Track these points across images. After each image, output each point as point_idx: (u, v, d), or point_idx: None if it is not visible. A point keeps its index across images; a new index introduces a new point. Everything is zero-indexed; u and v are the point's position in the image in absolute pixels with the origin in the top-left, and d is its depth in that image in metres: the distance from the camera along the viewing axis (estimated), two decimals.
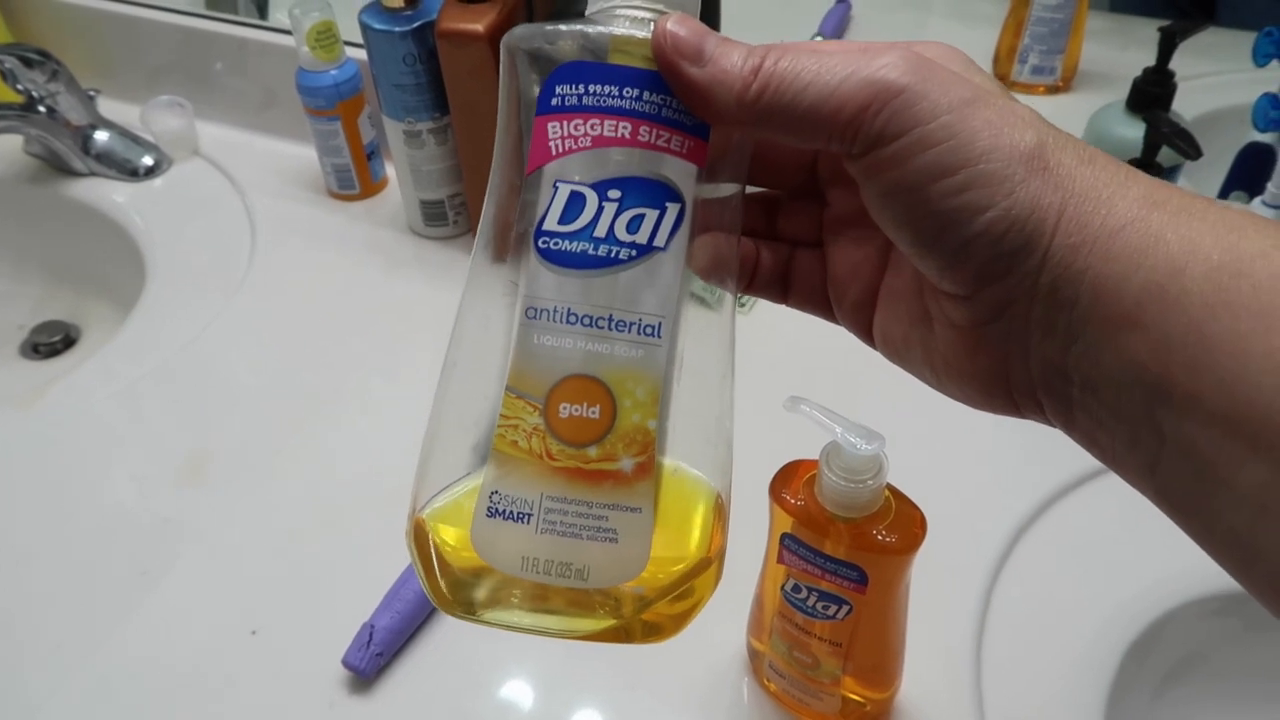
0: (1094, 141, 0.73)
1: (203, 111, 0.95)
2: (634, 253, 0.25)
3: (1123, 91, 0.71)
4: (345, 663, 0.52)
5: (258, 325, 0.77)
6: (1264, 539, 0.22)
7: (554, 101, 0.25)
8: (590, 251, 0.25)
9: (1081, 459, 0.27)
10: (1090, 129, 0.74)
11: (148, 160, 0.92)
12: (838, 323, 0.31)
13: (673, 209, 0.26)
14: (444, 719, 0.52)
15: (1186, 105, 0.71)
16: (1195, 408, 0.22)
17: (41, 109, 0.87)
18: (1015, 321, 0.25)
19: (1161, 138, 0.56)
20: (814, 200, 0.31)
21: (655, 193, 0.25)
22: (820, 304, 0.31)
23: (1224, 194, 0.72)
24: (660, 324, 0.25)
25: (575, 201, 0.25)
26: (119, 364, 0.74)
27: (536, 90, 0.26)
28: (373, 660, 0.52)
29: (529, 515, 0.25)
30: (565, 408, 0.25)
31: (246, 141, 0.96)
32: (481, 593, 0.26)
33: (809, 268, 0.31)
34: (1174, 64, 0.67)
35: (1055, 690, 0.51)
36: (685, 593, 0.27)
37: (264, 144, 0.95)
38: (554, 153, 0.25)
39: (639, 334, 0.25)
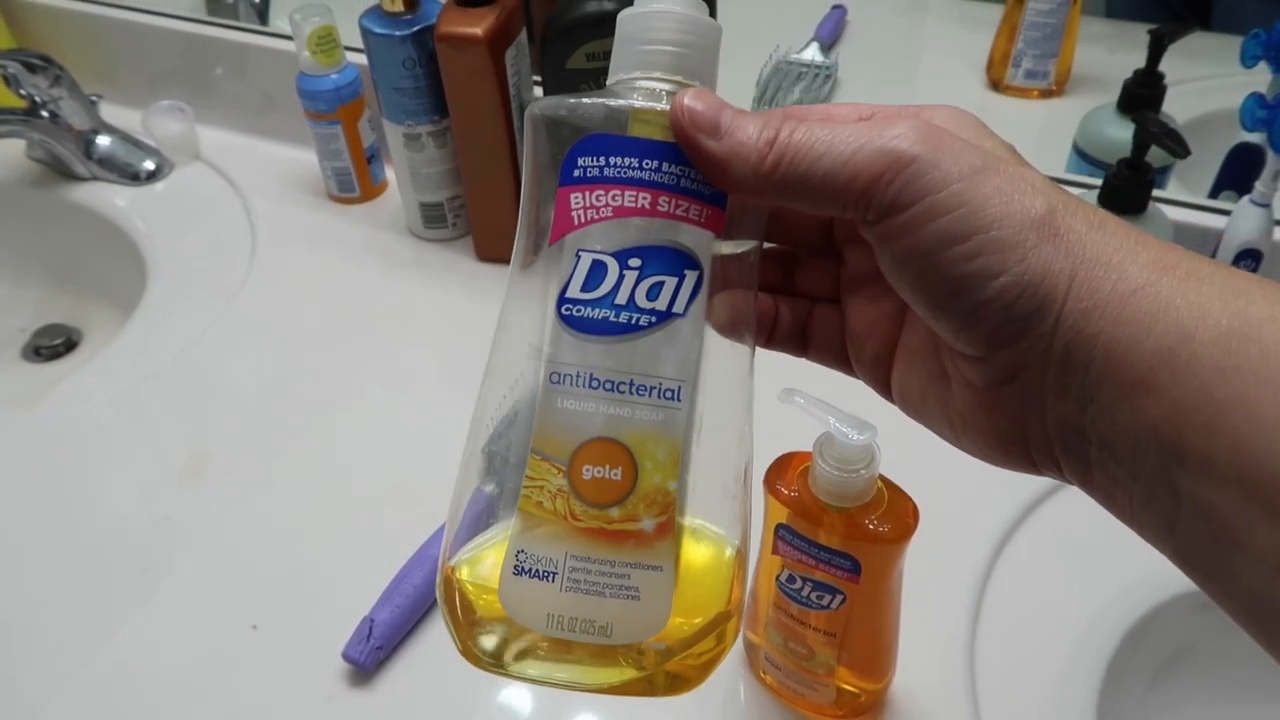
0: (1085, 142, 0.74)
1: (203, 116, 0.96)
2: (654, 319, 0.26)
3: (1115, 95, 0.72)
4: (345, 656, 0.53)
5: (258, 328, 0.78)
6: None
7: (576, 173, 0.27)
8: (612, 318, 0.26)
9: None
10: (1081, 130, 0.75)
11: (149, 165, 0.93)
12: (856, 376, 0.32)
13: (691, 276, 0.27)
14: (444, 712, 0.53)
15: (1178, 108, 0.71)
16: (1210, 470, 0.22)
17: (44, 114, 0.88)
18: (1030, 383, 0.25)
19: (1150, 137, 0.57)
20: (831, 258, 0.32)
21: (674, 261, 0.26)
22: (839, 358, 0.32)
23: (1214, 193, 0.73)
24: (680, 388, 0.26)
25: (597, 270, 0.26)
26: (120, 366, 0.75)
27: (558, 158, 0.27)
28: (373, 654, 0.53)
29: (554, 574, 0.26)
30: (588, 470, 0.26)
31: (247, 145, 0.96)
32: (508, 646, 0.27)
33: (828, 322, 0.32)
34: (1167, 68, 0.68)
35: (1049, 681, 0.52)
36: (709, 643, 0.28)
37: (264, 148, 0.96)
38: (576, 222, 0.27)
39: (659, 398, 0.26)
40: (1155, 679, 0.56)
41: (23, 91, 0.87)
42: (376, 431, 0.68)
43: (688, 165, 0.26)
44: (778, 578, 0.46)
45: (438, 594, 0.28)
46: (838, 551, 0.43)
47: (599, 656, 0.27)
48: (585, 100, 0.27)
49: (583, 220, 0.26)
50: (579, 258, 0.26)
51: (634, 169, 0.26)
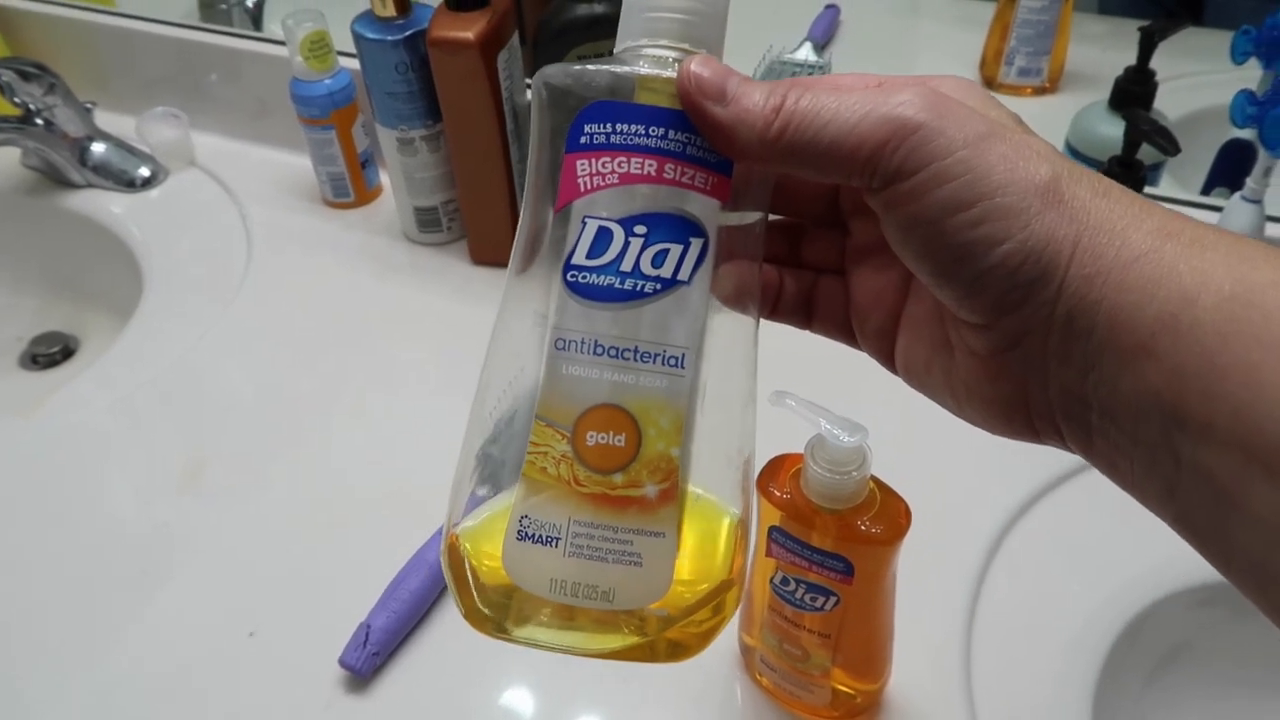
0: (1077, 140, 0.74)
1: (198, 122, 0.96)
2: (659, 286, 0.26)
3: (1108, 92, 0.72)
4: (342, 662, 0.53)
5: (254, 333, 0.78)
6: None
7: (583, 139, 0.27)
8: (617, 285, 0.26)
9: (1068, 453, 0.28)
10: (1074, 128, 0.75)
11: (144, 171, 0.93)
12: (860, 348, 0.32)
13: (696, 244, 0.27)
14: (441, 717, 0.53)
15: (1170, 104, 0.71)
16: (1210, 435, 0.22)
17: (39, 121, 0.88)
18: (1033, 350, 0.25)
19: (1141, 135, 0.57)
20: (836, 229, 0.32)
21: (680, 228, 0.27)
22: (843, 330, 0.32)
23: (1206, 190, 0.73)
24: (684, 355, 0.27)
25: (603, 236, 0.26)
26: (117, 373, 0.75)
27: (564, 127, 0.27)
28: (369, 660, 0.53)
29: (557, 539, 0.26)
30: (592, 436, 0.26)
31: (242, 151, 0.97)
32: (511, 612, 0.28)
33: (832, 294, 0.32)
34: (1160, 65, 0.68)
35: (1045, 680, 0.52)
36: (708, 612, 0.28)
37: (259, 154, 0.96)
38: (583, 189, 0.27)
39: (663, 365, 0.26)
40: (1151, 676, 0.57)
41: (17, 99, 0.87)
42: (372, 436, 0.68)
43: (694, 133, 0.26)
44: (771, 580, 0.46)
45: (442, 560, 0.29)
46: (830, 553, 0.43)
47: (601, 622, 0.27)
48: (591, 67, 0.27)
49: (589, 187, 0.27)
50: (585, 224, 0.27)
51: (640, 136, 0.26)
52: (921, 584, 0.48)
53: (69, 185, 0.93)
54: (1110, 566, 0.56)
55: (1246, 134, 0.63)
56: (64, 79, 0.89)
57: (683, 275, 0.26)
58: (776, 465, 0.45)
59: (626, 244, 0.26)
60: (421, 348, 0.76)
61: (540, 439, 0.27)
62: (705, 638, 0.28)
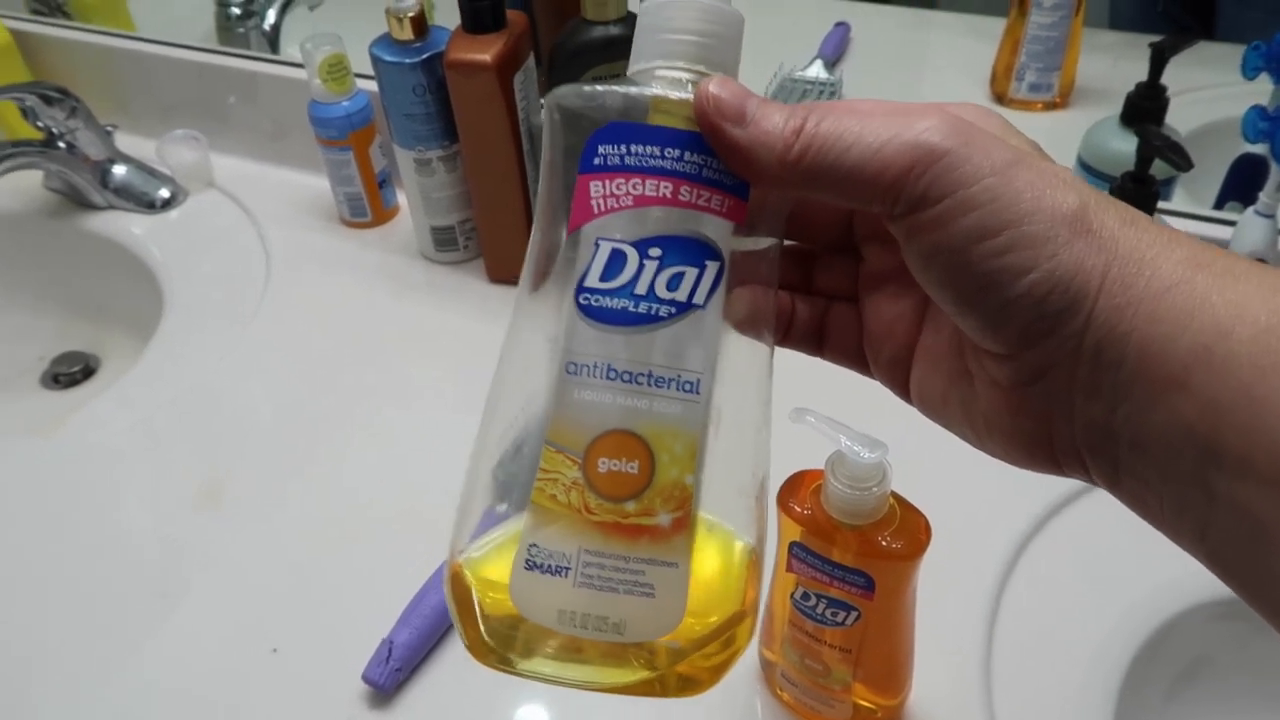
0: (1089, 156, 0.74)
1: (217, 144, 0.98)
2: (674, 310, 0.26)
3: (1120, 107, 0.72)
4: (365, 678, 0.53)
5: (273, 353, 0.79)
6: None
7: (596, 161, 0.26)
8: (631, 309, 0.26)
9: None
10: (1085, 143, 0.75)
11: (164, 193, 0.94)
12: (872, 377, 0.31)
13: (712, 267, 0.26)
14: None
15: (1182, 119, 0.72)
16: (1248, 471, 0.22)
17: (61, 145, 0.90)
18: (1059, 382, 0.25)
19: (1153, 151, 0.57)
20: (850, 256, 0.31)
21: (695, 251, 0.26)
22: (856, 358, 0.31)
23: (1219, 204, 0.74)
24: (699, 380, 0.26)
25: (616, 259, 0.26)
26: (137, 393, 0.76)
27: (576, 148, 0.26)
28: (392, 675, 0.53)
29: (567, 569, 0.26)
30: (604, 463, 0.26)
31: (260, 173, 0.98)
32: (517, 643, 0.27)
33: (845, 322, 0.31)
34: (1171, 78, 0.68)
35: (1065, 694, 0.52)
36: (720, 645, 0.27)
37: (277, 175, 0.97)
38: (596, 211, 0.26)
39: (678, 390, 0.26)
40: (1172, 690, 0.56)
41: (40, 123, 0.89)
42: (391, 453, 0.69)
43: (710, 155, 0.26)
44: (792, 595, 0.46)
45: (445, 589, 0.28)
46: (851, 569, 0.43)
47: (610, 655, 0.26)
48: (604, 89, 0.26)
49: (602, 209, 0.26)
50: (598, 246, 0.26)
51: (655, 158, 0.26)
52: (941, 598, 0.49)
53: (90, 207, 0.94)
54: (1130, 580, 0.56)
55: (1259, 149, 0.63)
56: (85, 103, 0.90)
57: (698, 299, 0.26)
58: (797, 481, 0.46)
59: (641, 267, 0.26)
60: (439, 366, 0.77)
61: (550, 465, 0.26)
62: (717, 671, 0.27)
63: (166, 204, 0.94)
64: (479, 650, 0.27)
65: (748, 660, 0.54)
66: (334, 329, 0.81)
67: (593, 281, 0.26)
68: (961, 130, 0.24)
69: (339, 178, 0.87)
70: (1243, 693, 0.57)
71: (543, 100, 0.78)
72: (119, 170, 0.93)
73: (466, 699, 0.54)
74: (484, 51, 0.70)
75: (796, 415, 0.41)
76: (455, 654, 0.56)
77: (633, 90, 0.26)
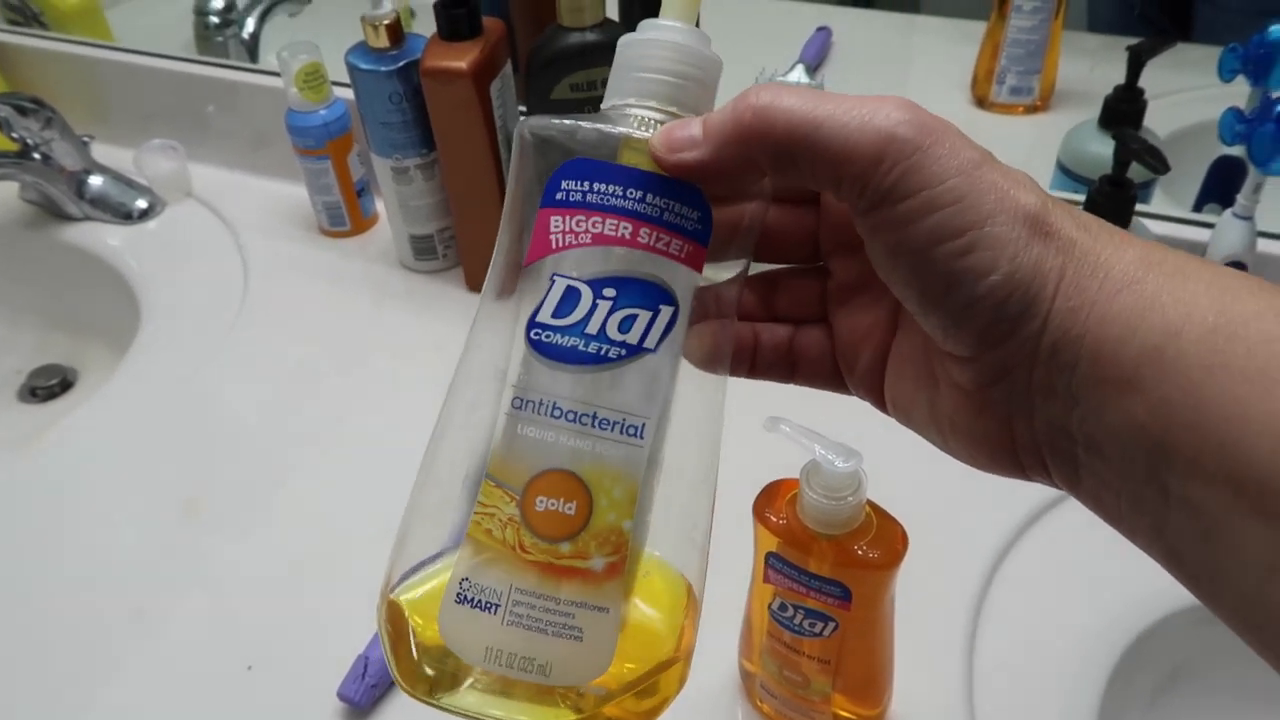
0: (1068, 159, 0.74)
1: (195, 154, 0.97)
2: (624, 352, 0.25)
3: (1099, 110, 0.72)
4: (341, 695, 0.53)
5: (252, 364, 0.78)
6: (1273, 602, 0.22)
7: (558, 196, 0.26)
8: (581, 347, 0.25)
9: None
10: (1064, 147, 0.75)
11: (141, 203, 0.93)
12: (849, 393, 0.32)
13: (666, 311, 0.26)
14: None
15: (1160, 121, 0.72)
16: (1198, 470, 0.22)
17: (36, 156, 0.89)
18: (1017, 384, 0.25)
19: (1131, 154, 0.57)
20: (815, 275, 0.32)
21: (650, 294, 0.26)
22: (829, 377, 0.31)
23: (1198, 206, 0.74)
24: (644, 425, 0.26)
25: (570, 296, 0.26)
26: (115, 406, 0.75)
27: (544, 178, 0.26)
28: (368, 692, 0.53)
29: (496, 606, 0.25)
30: (542, 501, 0.25)
31: (238, 182, 0.97)
32: (445, 676, 0.26)
33: (813, 343, 0.31)
34: (1149, 81, 0.68)
35: (1047, 702, 0.52)
36: (649, 690, 0.27)
37: (255, 184, 0.96)
38: (554, 246, 0.26)
39: (622, 434, 0.25)
40: (1155, 697, 0.56)
41: (15, 135, 0.88)
42: (372, 464, 0.68)
43: (672, 199, 0.26)
44: (770, 606, 0.46)
45: (376, 617, 0.27)
46: (828, 579, 0.43)
47: (537, 694, 0.26)
48: (575, 122, 0.26)
49: (561, 244, 0.26)
50: (553, 282, 0.26)
51: (617, 197, 0.26)
52: (921, 607, 0.48)
53: (67, 218, 0.93)
54: (1110, 587, 0.56)
55: (1236, 151, 0.63)
56: (61, 113, 0.89)
57: (649, 343, 0.26)
58: (772, 491, 0.45)
59: (594, 306, 0.25)
60: (419, 376, 0.76)
61: (488, 499, 0.25)
62: (647, 716, 0.27)
63: (144, 215, 0.93)
64: (408, 680, 0.27)
65: (727, 671, 0.53)
66: (313, 339, 0.80)
67: (545, 317, 0.26)
68: (929, 126, 0.24)
69: (317, 187, 0.87)
70: (1225, 699, 0.57)
71: (522, 108, 0.78)
72: (95, 181, 0.92)
73: (444, 716, 0.53)
74: (460, 59, 0.70)
75: (770, 424, 0.41)
76: None
77: (604, 127, 0.26)
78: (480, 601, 0.25)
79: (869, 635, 0.46)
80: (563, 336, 0.25)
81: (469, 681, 0.26)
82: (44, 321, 0.97)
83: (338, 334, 0.80)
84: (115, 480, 0.69)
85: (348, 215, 0.88)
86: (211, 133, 0.98)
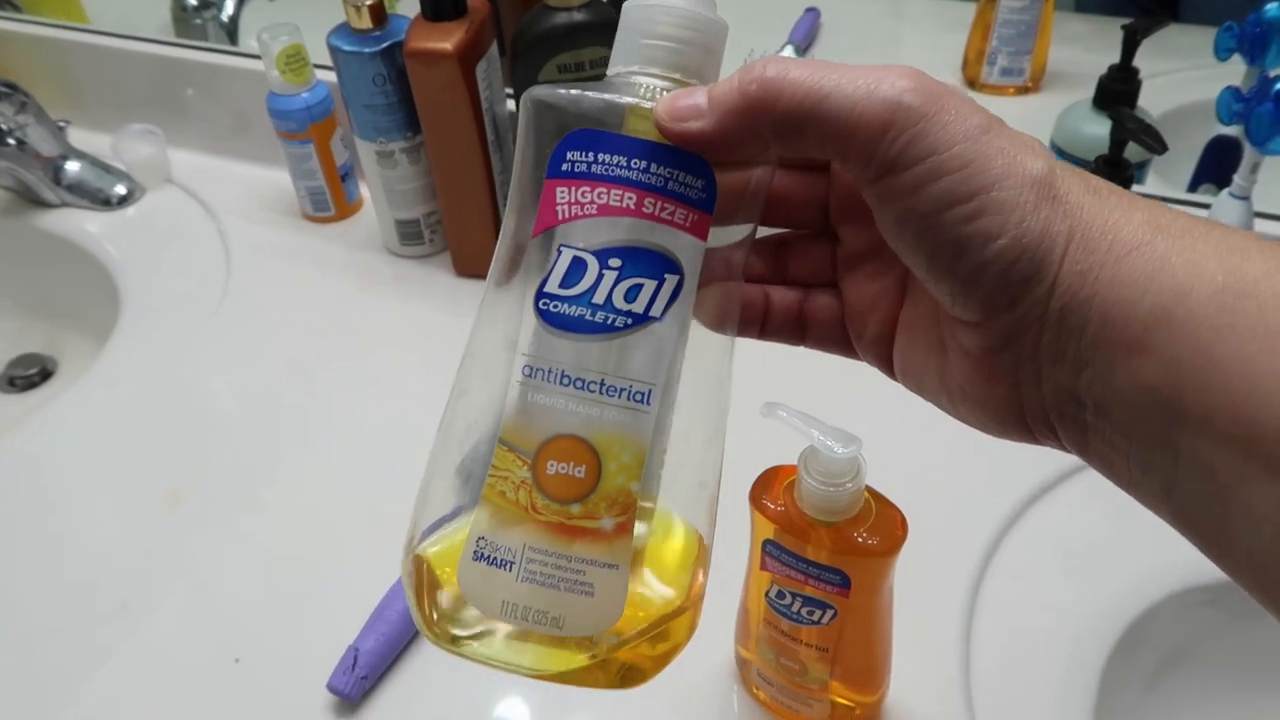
0: (1062, 140, 0.74)
1: (174, 139, 0.95)
2: (630, 321, 0.26)
3: (1091, 90, 0.71)
4: (330, 687, 0.52)
5: (235, 352, 0.77)
6: None
7: (564, 167, 0.26)
8: (588, 317, 0.26)
9: (1061, 457, 0.28)
10: (1059, 128, 0.75)
11: (120, 189, 0.92)
12: (858, 358, 0.32)
13: (671, 280, 0.26)
14: None
15: (1153, 102, 0.71)
16: (1208, 430, 0.22)
17: (11, 141, 0.87)
18: (1026, 348, 0.25)
19: (1127, 134, 0.57)
20: (825, 240, 0.32)
21: (655, 264, 0.26)
22: (839, 342, 0.32)
23: (1193, 187, 0.73)
24: (650, 391, 0.26)
25: (577, 267, 0.26)
26: (96, 395, 0.74)
27: (550, 147, 0.27)
28: (358, 684, 0.52)
29: (511, 563, 0.26)
30: (553, 465, 0.26)
31: (219, 167, 0.95)
32: (466, 628, 0.28)
33: (824, 307, 0.31)
34: (1140, 61, 0.68)
35: (1045, 686, 0.51)
36: (660, 636, 0.28)
37: (237, 169, 0.95)
38: (560, 217, 0.26)
39: (629, 400, 0.26)
40: (1152, 680, 0.56)
41: None
42: (358, 453, 0.67)
43: (677, 168, 0.26)
44: (767, 594, 0.45)
45: (402, 571, 0.29)
46: (826, 566, 0.42)
47: (553, 642, 0.27)
48: (581, 91, 0.27)
49: (567, 215, 0.26)
50: (560, 253, 0.26)
51: (622, 168, 0.26)
52: (918, 593, 0.48)
53: (43, 205, 0.91)
54: (1107, 570, 0.56)
55: (1232, 130, 0.62)
56: (36, 97, 0.88)
57: (655, 311, 0.26)
58: (769, 478, 0.45)
59: (600, 276, 0.26)
60: (407, 363, 0.75)
61: (502, 463, 0.27)
62: (657, 663, 0.28)
63: (122, 201, 0.92)
64: (431, 631, 0.28)
65: (723, 659, 0.53)
66: (297, 327, 0.79)
67: (552, 287, 0.26)
68: (938, 94, 0.24)
69: (300, 171, 0.85)
70: (1223, 681, 0.57)
71: (509, 90, 0.77)
72: (72, 167, 0.91)
73: (433, 707, 0.53)
74: (445, 40, 0.69)
75: (768, 410, 0.40)
76: (422, 662, 0.54)
77: (610, 96, 0.27)
78: (496, 559, 0.26)
79: (868, 622, 0.45)
80: (570, 306, 0.26)
81: (488, 632, 0.27)
82: (22, 310, 0.95)
83: (322, 322, 0.79)
84: (97, 471, 0.68)
85: (331, 200, 0.87)
86: (191, 117, 0.96)
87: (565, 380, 0.26)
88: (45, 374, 0.91)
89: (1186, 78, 0.76)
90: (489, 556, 0.26)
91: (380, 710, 0.52)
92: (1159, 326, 0.22)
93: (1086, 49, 0.87)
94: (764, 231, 0.32)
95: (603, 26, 0.66)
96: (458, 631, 0.28)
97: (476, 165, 0.74)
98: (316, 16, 0.78)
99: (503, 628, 0.27)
